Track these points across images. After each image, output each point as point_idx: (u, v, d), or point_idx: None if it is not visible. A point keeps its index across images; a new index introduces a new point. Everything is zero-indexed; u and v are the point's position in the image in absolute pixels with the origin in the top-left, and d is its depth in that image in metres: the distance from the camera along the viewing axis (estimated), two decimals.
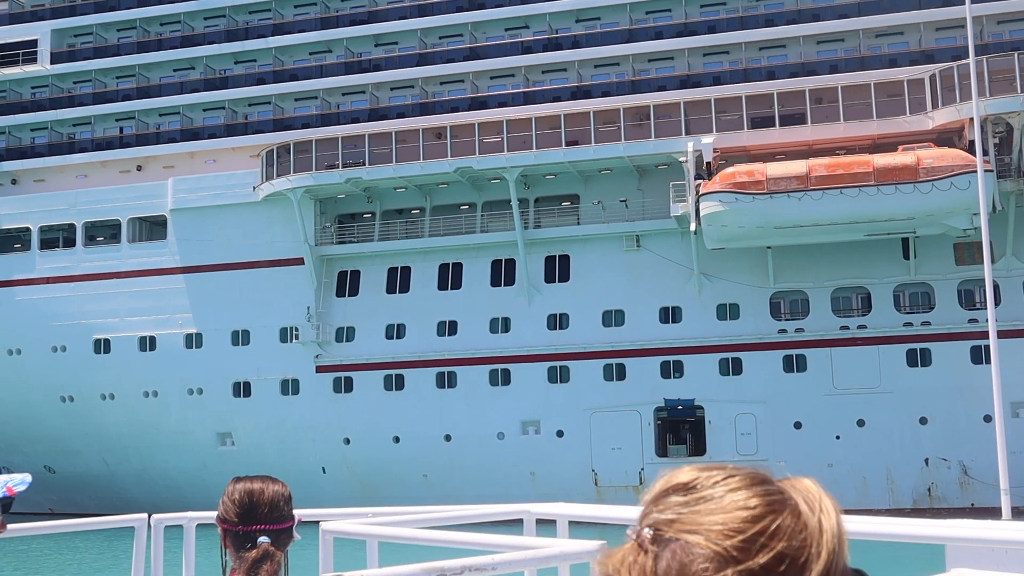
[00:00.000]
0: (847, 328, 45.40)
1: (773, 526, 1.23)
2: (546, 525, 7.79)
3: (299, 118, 53.76)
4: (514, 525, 7.73)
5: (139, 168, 55.03)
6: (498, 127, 47.88)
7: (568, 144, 47.41)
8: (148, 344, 52.37)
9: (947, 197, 40.15)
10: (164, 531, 8.52)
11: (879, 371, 44.60)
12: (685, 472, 1.33)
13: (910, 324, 45.01)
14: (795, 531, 1.24)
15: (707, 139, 44.73)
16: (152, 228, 54.13)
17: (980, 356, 43.97)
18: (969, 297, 45.22)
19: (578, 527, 7.87)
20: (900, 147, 42.38)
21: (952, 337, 44.24)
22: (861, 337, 45.03)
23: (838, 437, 44.73)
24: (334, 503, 46.88)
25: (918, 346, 44.58)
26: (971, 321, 44.35)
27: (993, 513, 41.44)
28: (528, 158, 47.18)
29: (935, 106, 42.80)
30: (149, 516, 8.31)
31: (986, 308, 45.43)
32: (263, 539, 3.53)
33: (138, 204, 53.38)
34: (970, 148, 41.59)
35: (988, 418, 43.15)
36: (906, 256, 45.34)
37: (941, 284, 45.08)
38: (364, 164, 48.96)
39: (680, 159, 45.05)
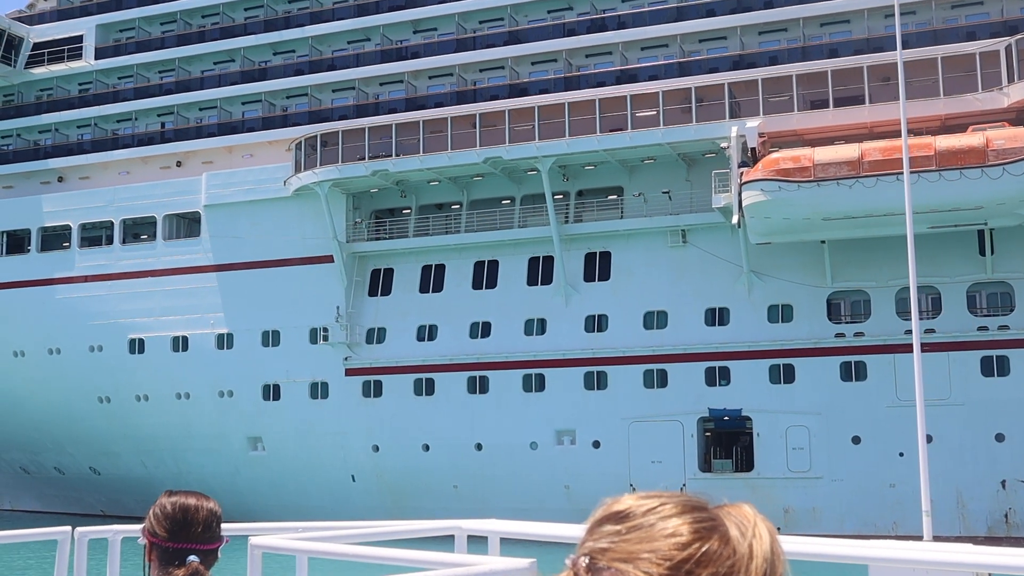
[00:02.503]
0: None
1: (700, 552, 1.23)
2: (480, 542, 7.75)
3: (336, 109, 50.66)
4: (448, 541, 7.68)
5: (179, 164, 52.79)
6: (530, 115, 43.84)
7: (612, 132, 43.11)
8: (181, 344, 50.03)
9: (1021, 183, 34.46)
10: (88, 544, 8.21)
11: (949, 381, 38.97)
12: (623, 500, 1.33)
13: (985, 328, 39.22)
14: (723, 557, 1.23)
15: (752, 123, 39.81)
16: (191, 225, 51.89)
17: None
18: None
19: (510, 544, 7.66)
20: (970, 128, 36.79)
21: None
22: (929, 343, 39.40)
23: (902, 454, 39.24)
24: (364, 514, 43.55)
25: (995, 353, 38.77)
26: None
27: None
28: (561, 146, 42.96)
29: (1011, 80, 37.02)
30: (73, 529, 7.71)
31: None
32: (192, 558, 3.36)
33: (173, 200, 51.11)
34: None
35: None
36: (982, 252, 39.58)
37: (1022, 283, 39.18)
38: (392, 156, 45.55)
39: (723, 145, 40.27)
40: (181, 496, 3.55)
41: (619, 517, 1.33)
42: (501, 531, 7.93)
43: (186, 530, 3.42)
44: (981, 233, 39.09)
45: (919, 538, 34.76)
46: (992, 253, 39.25)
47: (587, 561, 1.29)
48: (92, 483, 53.97)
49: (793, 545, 7.32)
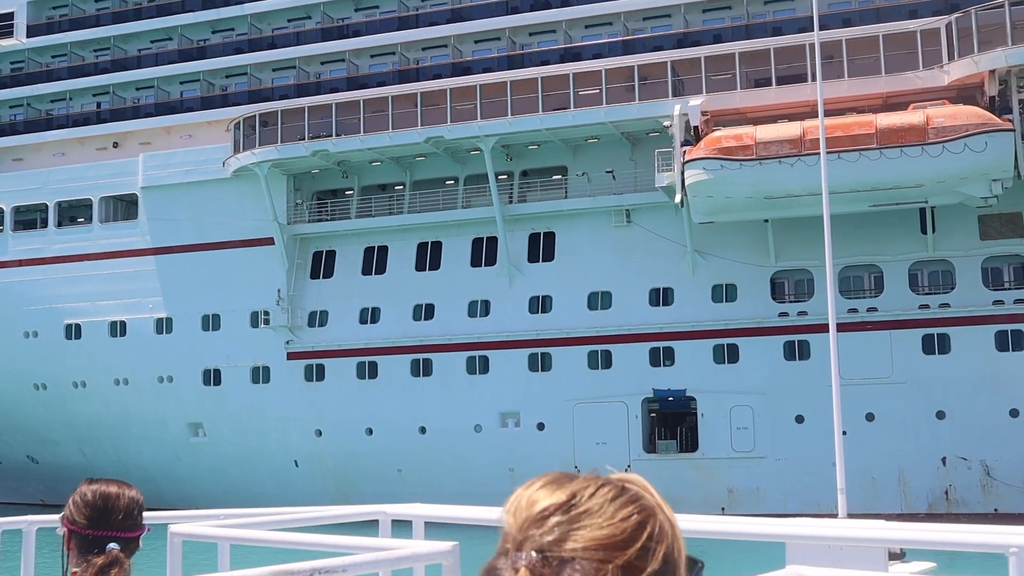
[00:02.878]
0: (856, 311, 39.79)
1: (655, 530, 1.23)
2: (406, 526, 7.76)
3: (277, 89, 49.67)
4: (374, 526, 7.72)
5: (116, 145, 51.51)
6: (472, 93, 43.16)
7: (555, 111, 42.55)
8: (118, 329, 48.90)
9: (960, 161, 34.37)
10: (1, 535, 8.06)
11: (891, 359, 38.98)
12: (544, 491, 1.27)
13: (927, 306, 39.27)
14: (667, 531, 1.24)
15: (695, 101, 39.45)
16: (128, 208, 50.67)
17: (1006, 342, 38.17)
18: (996, 276, 39.29)
19: (436, 528, 7.59)
20: (911, 106, 36.68)
21: (975, 321, 38.38)
22: (872, 321, 39.43)
23: (844, 433, 39.09)
24: (308, 500, 42.82)
25: (936, 331, 38.82)
26: (996, 303, 38.47)
27: (1020, 520, 35.83)
28: (503, 125, 42.34)
29: (952, 58, 36.94)
30: None
31: (1014, 288, 39.69)
32: (112, 545, 3.29)
33: (109, 182, 49.84)
34: (991, 105, 35.85)
35: (1015, 412, 37.43)
36: (924, 230, 39.59)
37: (963, 261, 39.19)
38: (332, 136, 44.69)
39: (665, 124, 39.88)
40: (102, 484, 3.48)
41: (564, 507, 1.26)
42: (426, 515, 7.91)
43: (106, 518, 3.35)
44: (923, 212, 39.06)
45: (867, 517, 34.82)
46: (933, 232, 39.25)
47: (538, 556, 1.22)
48: (30, 472, 52.73)
49: (712, 525, 7.51)
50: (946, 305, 38.91)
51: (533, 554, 1.23)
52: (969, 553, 6.39)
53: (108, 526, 3.35)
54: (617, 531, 1.23)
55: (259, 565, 4.69)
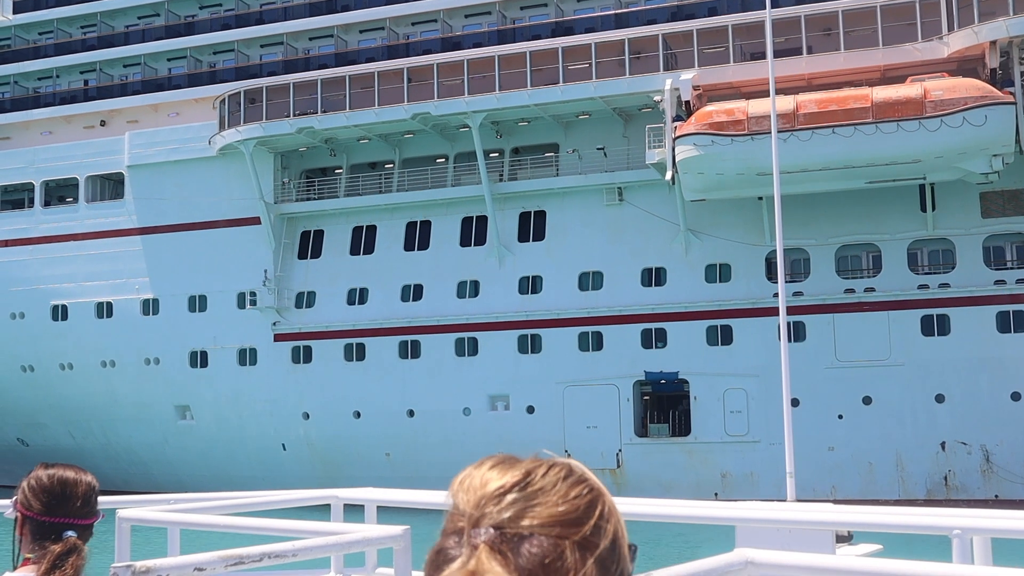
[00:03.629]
0: (853, 291, 38.56)
1: (606, 508, 1.25)
2: (359, 510, 7.92)
3: (265, 65, 48.58)
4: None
5: (103, 123, 50.52)
6: (459, 69, 41.95)
7: (544, 87, 41.28)
8: (105, 311, 48.03)
9: (959, 135, 33.00)
10: None
11: (889, 341, 37.73)
12: (497, 471, 1.28)
13: (926, 286, 37.96)
14: (614, 510, 1.26)
15: (686, 75, 38.14)
16: (116, 187, 49.73)
17: (1008, 323, 36.87)
18: (998, 255, 37.96)
19: (389, 512, 7.53)
20: (909, 79, 35.30)
21: (975, 301, 37.08)
22: (869, 301, 38.19)
23: (841, 417, 38.09)
24: (295, 484, 41.92)
25: (935, 312, 37.53)
26: (998, 283, 37.16)
27: (1021, 507, 34.62)
28: (491, 101, 41.12)
29: (951, 29, 35.51)
30: None
31: (1017, 268, 38.33)
32: (70, 533, 3.23)
33: (95, 161, 48.88)
34: (992, 78, 34.46)
35: (1017, 396, 36.16)
36: (924, 208, 38.25)
37: (964, 240, 37.86)
38: (317, 112, 43.57)
39: (656, 98, 38.61)
40: (59, 468, 3.39)
41: (520, 485, 1.26)
42: (377, 499, 7.89)
43: (64, 504, 3.27)
44: (922, 189, 37.73)
45: (864, 503, 33.65)
46: (933, 209, 37.92)
47: (496, 532, 1.22)
48: (21, 455, 51.97)
49: (664, 508, 7.63)
50: (946, 285, 37.60)
51: (491, 530, 1.22)
52: (915, 535, 6.55)
53: (65, 513, 3.26)
54: (572, 508, 1.23)
55: (210, 550, 4.63)
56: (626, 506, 7.44)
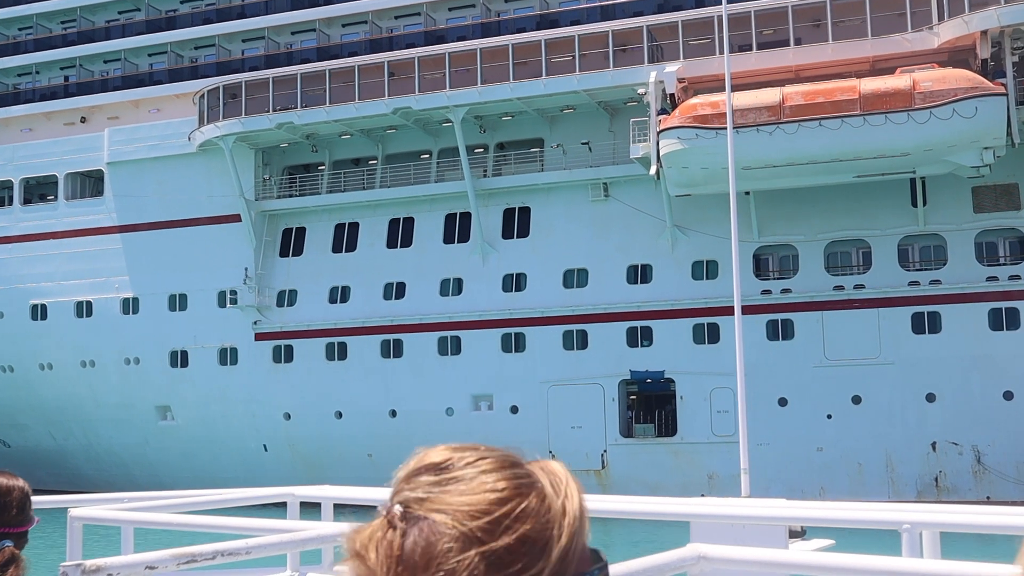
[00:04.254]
0: (842, 288, 37.62)
1: (519, 508, 1.21)
2: (316, 509, 7.90)
3: (247, 60, 47.66)
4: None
5: (83, 120, 49.64)
6: (441, 63, 41.01)
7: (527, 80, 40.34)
8: (85, 310, 47.16)
9: (949, 127, 32.03)
10: None
11: (879, 339, 36.78)
12: (438, 451, 1.29)
13: (917, 283, 37.01)
14: (540, 513, 1.22)
15: (671, 67, 37.20)
16: (96, 184, 48.86)
17: (1000, 321, 35.92)
18: (990, 251, 37.00)
19: (347, 510, 7.70)
20: (898, 70, 34.34)
21: (967, 298, 36.14)
22: (859, 299, 37.24)
23: (830, 416, 37.16)
24: (277, 485, 41.27)
25: (926, 309, 36.58)
26: (990, 279, 36.21)
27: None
28: (473, 95, 40.18)
29: (941, 19, 34.53)
30: None
31: (1009, 264, 37.38)
32: (7, 542, 3.10)
33: (75, 158, 47.99)
34: (983, 68, 33.50)
35: (1009, 395, 35.22)
36: (914, 203, 37.29)
37: (955, 236, 36.90)
38: (297, 107, 42.66)
39: (640, 91, 37.67)
40: None
41: (437, 468, 1.26)
42: (334, 497, 7.88)
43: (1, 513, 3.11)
44: (913, 183, 36.77)
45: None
46: (924, 204, 36.96)
47: (401, 510, 1.22)
48: (3, 456, 51.14)
49: (617, 504, 7.57)
50: (937, 282, 36.66)
51: (397, 507, 1.24)
52: (867, 530, 6.66)
53: (2, 522, 3.13)
54: (474, 501, 1.21)
55: (167, 548, 4.54)
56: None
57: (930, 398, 36.08)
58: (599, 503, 8.01)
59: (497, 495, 1.22)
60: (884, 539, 6.01)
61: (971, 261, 36.55)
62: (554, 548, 1.21)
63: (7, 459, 50.92)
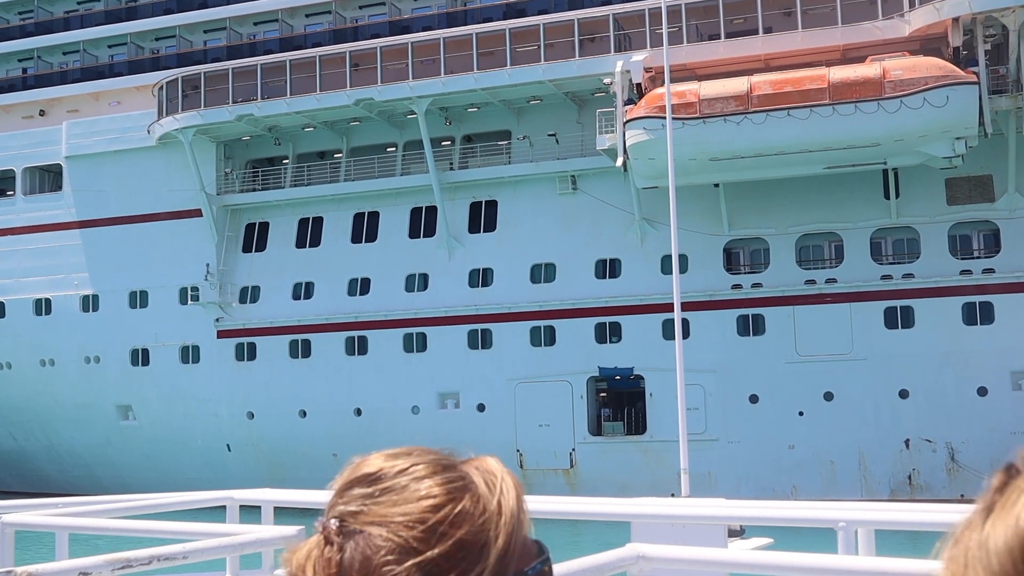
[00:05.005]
0: (814, 282, 36.72)
1: (453, 514, 1.20)
2: (256, 512, 7.84)
3: (209, 51, 46.50)
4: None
5: (42, 113, 48.38)
6: (404, 53, 39.91)
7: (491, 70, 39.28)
8: (44, 307, 45.96)
9: (920, 117, 31.11)
10: None
11: (851, 334, 35.90)
12: (371, 461, 1.27)
13: (890, 277, 36.13)
14: (475, 515, 1.21)
15: (638, 56, 36.21)
16: (56, 179, 47.62)
17: (975, 316, 35.08)
18: (964, 244, 36.15)
19: (288, 513, 7.36)
20: (869, 58, 33.40)
21: (941, 292, 35.28)
22: (830, 293, 36.36)
23: (801, 413, 36.28)
24: (241, 486, 40.21)
25: (899, 303, 35.72)
26: (964, 273, 35.36)
27: None
28: (436, 86, 39.11)
29: (912, 6, 33.59)
30: None
31: (983, 257, 36.55)
32: None
33: (32, 152, 46.73)
34: (955, 57, 32.61)
35: (983, 391, 34.40)
36: (887, 195, 36.39)
37: (929, 228, 36.03)
38: (257, 99, 41.51)
39: (606, 81, 36.66)
40: None
41: (369, 479, 1.24)
42: (274, 500, 7.85)
43: None
44: (886, 175, 35.87)
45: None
46: (897, 197, 36.07)
47: (337, 524, 1.22)
48: None
49: (559, 505, 7.72)
50: (910, 275, 35.79)
51: (333, 522, 1.23)
52: (805, 528, 6.65)
53: None
54: (408, 510, 1.19)
55: (104, 553, 4.57)
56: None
57: (903, 394, 35.25)
58: (538, 504, 7.94)
59: (431, 502, 1.20)
60: (822, 537, 6.03)
61: (945, 254, 35.71)
62: (492, 549, 1.19)
63: None
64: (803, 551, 4.78)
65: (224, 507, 8.28)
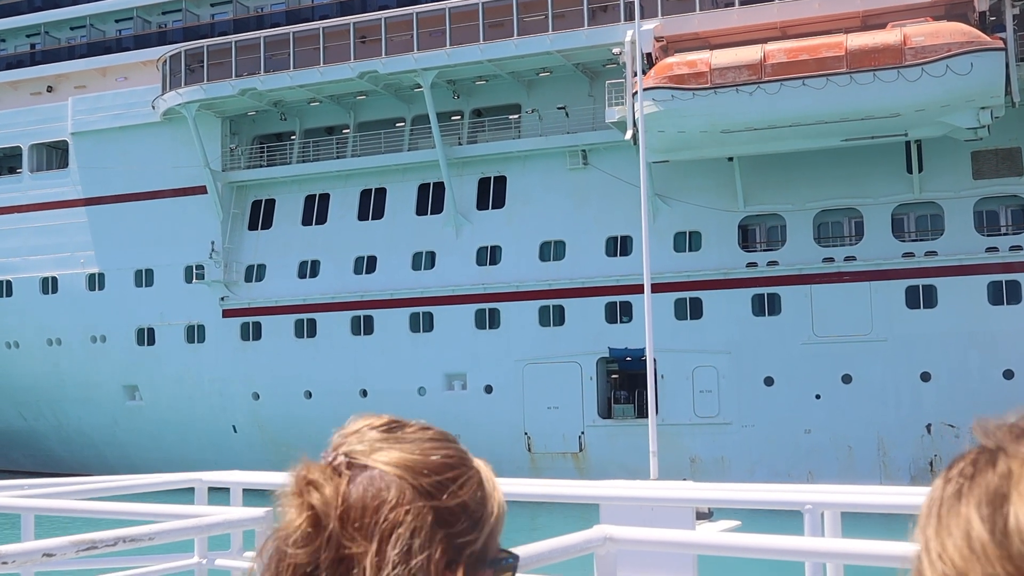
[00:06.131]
0: (832, 260, 35.11)
1: (463, 478, 1.25)
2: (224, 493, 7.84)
3: (217, 25, 45.44)
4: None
5: (50, 89, 47.53)
6: (408, 24, 38.59)
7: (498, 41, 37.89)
8: (50, 286, 45.26)
9: (942, 85, 29.39)
10: None
11: (871, 314, 34.31)
12: (381, 417, 1.32)
13: (912, 255, 34.48)
14: (478, 489, 1.27)
15: (648, 25, 34.66)
16: (63, 156, 46.84)
17: (1000, 295, 33.38)
18: (991, 219, 34.39)
19: (256, 494, 7.08)
20: (889, 24, 31.68)
21: (965, 271, 33.59)
22: (849, 271, 34.76)
23: (818, 397, 34.78)
24: (246, 467, 39.42)
25: (921, 282, 34.07)
26: (990, 250, 33.62)
27: None
28: (441, 57, 37.77)
29: None
30: None
31: (1011, 234, 34.78)
32: None
33: (38, 129, 45.95)
34: (981, 22, 30.82)
35: (1009, 374, 32.73)
36: (910, 169, 34.69)
37: (953, 204, 34.30)
38: (260, 73, 40.38)
39: (615, 51, 35.16)
40: None
41: (384, 428, 1.28)
42: (243, 482, 7.88)
43: None
44: (908, 148, 34.17)
45: None
46: (920, 170, 34.35)
47: (346, 459, 1.25)
48: None
49: (528, 488, 7.95)
50: (933, 253, 34.11)
51: (342, 456, 1.26)
52: (775, 511, 6.67)
53: None
54: (425, 460, 1.24)
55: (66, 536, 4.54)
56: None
57: (925, 377, 33.64)
58: (506, 486, 7.42)
59: (444, 460, 1.24)
60: (790, 520, 6.02)
61: (970, 231, 33.98)
62: (487, 524, 1.24)
63: None
64: (770, 533, 4.78)
65: (193, 489, 8.16)
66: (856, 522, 6.80)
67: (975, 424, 0.98)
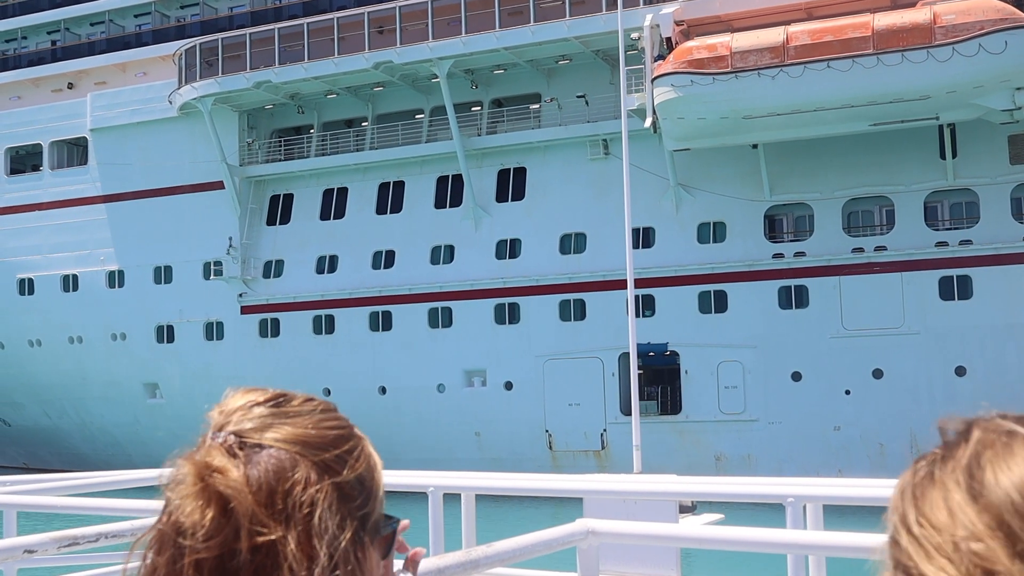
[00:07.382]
0: (862, 250, 33.67)
1: (358, 449, 1.22)
2: None
3: (235, 17, 44.72)
4: None
5: (71, 86, 47.11)
6: (423, 14, 37.57)
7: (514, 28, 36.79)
8: (71, 283, 44.83)
9: (974, 65, 27.87)
10: None
11: (903, 306, 32.84)
12: (260, 391, 1.28)
13: (945, 244, 32.95)
14: (369, 461, 1.24)
15: (668, 8, 33.39)
16: (83, 153, 46.40)
17: None
18: None
19: None
20: (919, 2, 30.18)
21: (1001, 260, 32.01)
22: (880, 262, 33.29)
23: (848, 392, 33.35)
24: None
25: (955, 272, 32.53)
26: None
27: None
28: (456, 46, 36.73)
29: None
30: None
31: None
32: None
33: (59, 126, 45.51)
34: None
35: None
36: (943, 155, 33.15)
37: (989, 190, 32.70)
38: (275, 66, 39.58)
39: (634, 36, 33.92)
40: None
41: (271, 402, 1.24)
42: None
43: None
44: (941, 132, 32.63)
45: None
46: (954, 156, 32.80)
47: (236, 439, 1.18)
48: (6, 435, 49.32)
49: (512, 482, 8.30)
50: (968, 242, 32.55)
51: (231, 436, 1.19)
52: (758, 505, 7.35)
53: None
54: (320, 435, 1.19)
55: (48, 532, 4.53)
56: (470, 480, 7.41)
57: (960, 371, 32.12)
58: (490, 480, 7.89)
59: (339, 432, 1.20)
60: (773, 513, 6.13)
61: (1006, 219, 32.38)
62: (378, 493, 1.22)
63: (8, 438, 49.10)
64: (753, 526, 4.90)
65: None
66: (839, 515, 6.79)
67: (939, 422, 0.97)
